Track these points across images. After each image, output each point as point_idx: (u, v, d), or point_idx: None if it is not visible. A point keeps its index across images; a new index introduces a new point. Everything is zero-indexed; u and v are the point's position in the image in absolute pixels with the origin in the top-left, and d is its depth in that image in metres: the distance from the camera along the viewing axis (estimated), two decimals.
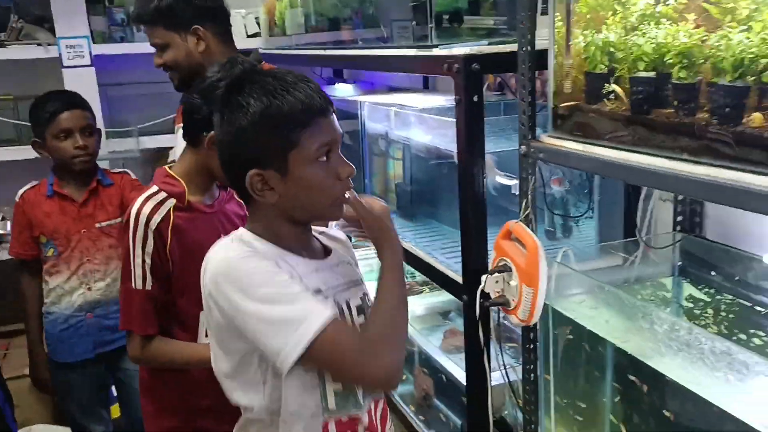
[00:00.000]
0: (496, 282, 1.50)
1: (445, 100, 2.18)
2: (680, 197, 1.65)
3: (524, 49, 1.40)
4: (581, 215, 1.76)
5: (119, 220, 2.10)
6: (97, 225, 2.12)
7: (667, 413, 1.27)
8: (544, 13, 1.41)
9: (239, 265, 1.06)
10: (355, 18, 2.45)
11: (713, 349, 1.15)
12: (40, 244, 2.09)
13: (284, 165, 1.07)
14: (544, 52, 1.40)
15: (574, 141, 1.32)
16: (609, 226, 1.77)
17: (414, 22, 1.90)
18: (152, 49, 1.97)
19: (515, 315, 1.46)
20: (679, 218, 1.66)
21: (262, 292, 1.03)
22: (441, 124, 1.89)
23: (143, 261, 1.43)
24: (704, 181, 1.02)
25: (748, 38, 0.97)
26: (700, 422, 1.20)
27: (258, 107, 1.05)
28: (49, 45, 3.15)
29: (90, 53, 3.31)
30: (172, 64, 1.90)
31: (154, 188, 1.47)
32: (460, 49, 1.51)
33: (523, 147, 1.45)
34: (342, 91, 2.89)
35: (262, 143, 1.06)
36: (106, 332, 2.14)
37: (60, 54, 3.19)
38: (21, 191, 2.15)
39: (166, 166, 1.53)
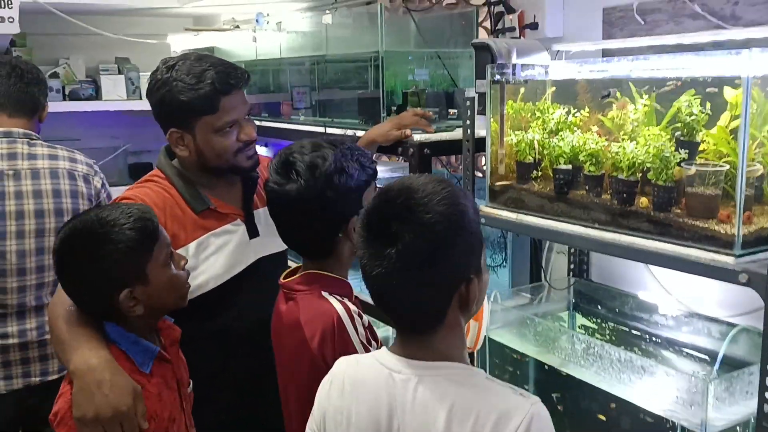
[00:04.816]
0: None
1: None
2: (572, 250, 2.16)
3: (468, 140, 1.86)
4: (498, 265, 2.23)
5: None
6: (190, 389, 1.49)
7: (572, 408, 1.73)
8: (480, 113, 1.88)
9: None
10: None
11: (613, 357, 1.63)
12: None
13: None
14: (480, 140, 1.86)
15: (507, 210, 1.77)
16: (519, 273, 2.25)
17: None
18: None
19: None
20: (572, 266, 2.17)
21: None
22: None
23: None
24: (611, 243, 1.49)
25: (636, 148, 1.47)
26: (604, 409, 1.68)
27: None
28: None
29: None
30: None
31: (333, 300, 1.34)
32: (414, 136, 1.94)
33: None
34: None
35: None
36: None
37: None
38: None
39: (313, 271, 1.41)
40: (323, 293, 1.36)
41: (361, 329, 1.31)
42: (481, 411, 0.97)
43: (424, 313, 1.05)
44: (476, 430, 0.97)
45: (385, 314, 1.10)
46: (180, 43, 3.69)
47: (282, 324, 1.41)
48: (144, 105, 3.69)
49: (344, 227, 1.38)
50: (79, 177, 2.07)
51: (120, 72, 3.93)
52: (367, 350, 1.30)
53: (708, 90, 1.39)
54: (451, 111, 2.27)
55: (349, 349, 1.28)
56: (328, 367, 1.24)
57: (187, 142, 1.61)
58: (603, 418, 1.65)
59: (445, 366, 1.05)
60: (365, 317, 1.36)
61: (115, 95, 3.90)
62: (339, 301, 1.34)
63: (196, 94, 1.56)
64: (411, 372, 1.05)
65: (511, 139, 1.78)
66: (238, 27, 3.38)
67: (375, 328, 1.39)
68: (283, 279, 1.45)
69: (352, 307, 1.35)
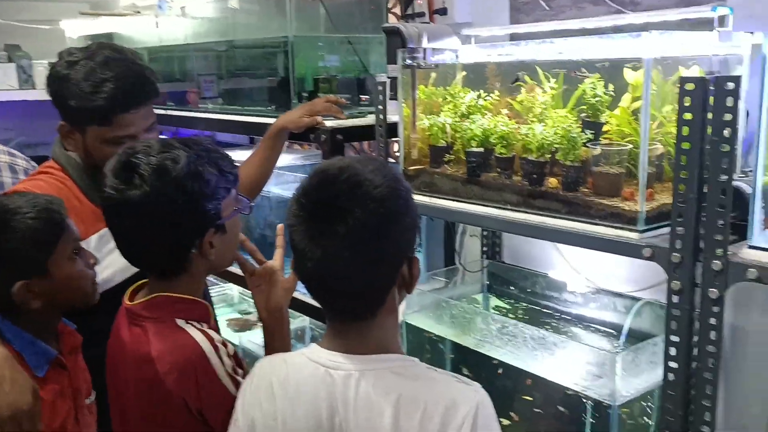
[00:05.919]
0: None
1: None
2: (485, 232, 2.20)
3: (380, 125, 1.85)
4: None
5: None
6: (87, 401, 1.40)
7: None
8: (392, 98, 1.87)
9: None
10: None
11: (526, 336, 1.67)
12: None
13: None
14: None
15: (421, 194, 1.78)
16: (433, 257, 2.27)
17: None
18: None
19: None
20: (485, 248, 2.21)
21: None
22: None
23: None
24: (523, 223, 1.52)
25: (545, 130, 1.50)
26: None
27: None
28: None
29: None
30: None
31: (192, 331, 1.19)
32: (327, 122, 1.91)
33: None
34: None
35: None
36: None
37: None
38: None
39: (163, 293, 1.22)
40: (178, 321, 1.20)
41: (226, 359, 1.18)
42: (428, 402, 0.96)
43: (372, 290, 1.01)
44: (424, 422, 0.95)
45: (321, 304, 1.05)
46: (75, 29, 3.49)
47: (125, 353, 1.22)
48: (38, 95, 3.52)
49: (199, 241, 1.20)
50: (20, 171, 1.95)
51: (10, 60, 3.68)
52: (234, 381, 1.17)
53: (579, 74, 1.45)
54: (363, 97, 2.26)
55: (215, 384, 1.17)
56: (187, 404, 1.16)
57: (76, 139, 1.50)
58: (530, 398, 1.69)
59: (385, 359, 1.02)
60: (230, 345, 1.22)
61: (5, 84, 3.66)
62: (198, 329, 1.20)
63: (88, 104, 1.43)
64: (351, 367, 1.01)
65: (424, 124, 1.79)
66: (138, 12, 3.23)
67: (241, 360, 1.26)
68: (128, 300, 1.26)
69: (215, 335, 1.20)
